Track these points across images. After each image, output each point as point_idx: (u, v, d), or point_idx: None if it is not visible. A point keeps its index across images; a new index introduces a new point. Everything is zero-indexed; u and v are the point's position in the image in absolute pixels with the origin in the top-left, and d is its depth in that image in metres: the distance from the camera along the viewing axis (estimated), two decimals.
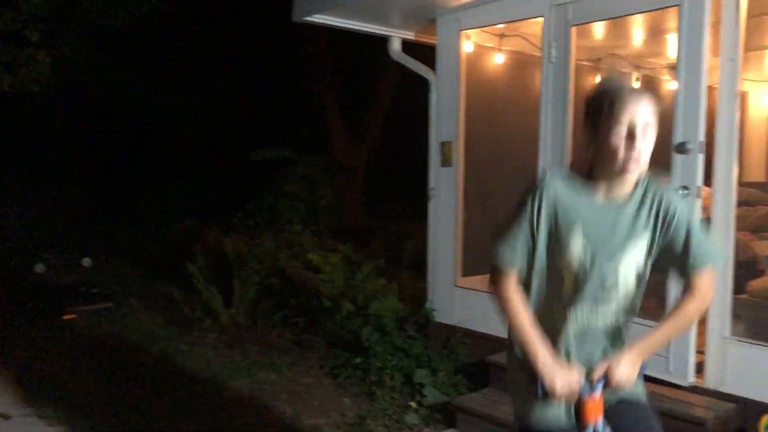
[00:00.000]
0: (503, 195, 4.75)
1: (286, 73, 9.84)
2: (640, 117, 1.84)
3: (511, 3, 4.13)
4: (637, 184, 1.96)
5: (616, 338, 2.05)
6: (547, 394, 1.94)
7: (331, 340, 5.05)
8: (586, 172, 1.97)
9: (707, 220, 3.56)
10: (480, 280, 4.61)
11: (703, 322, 3.41)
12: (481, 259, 4.74)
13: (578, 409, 1.98)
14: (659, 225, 1.96)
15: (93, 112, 13.01)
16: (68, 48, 8.36)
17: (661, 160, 3.91)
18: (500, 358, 3.92)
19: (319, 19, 4.55)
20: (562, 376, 1.92)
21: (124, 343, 5.29)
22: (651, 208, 1.96)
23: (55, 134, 13.82)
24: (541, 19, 4.03)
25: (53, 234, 9.89)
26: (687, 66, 3.37)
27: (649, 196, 1.96)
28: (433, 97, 4.75)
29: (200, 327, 5.60)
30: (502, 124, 4.98)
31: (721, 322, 3.36)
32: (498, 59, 5.00)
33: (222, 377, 4.56)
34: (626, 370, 1.94)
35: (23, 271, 7.75)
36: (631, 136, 1.84)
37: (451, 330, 4.54)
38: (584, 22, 3.91)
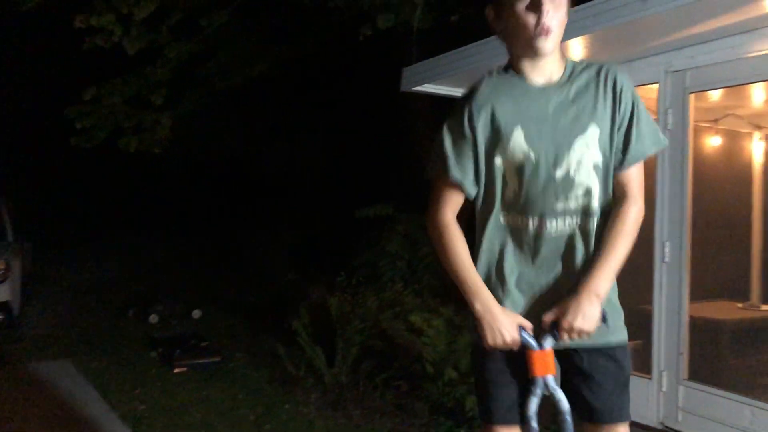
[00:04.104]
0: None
1: (388, 131, 10.04)
2: None
3: (625, 69, 4.04)
4: (566, 68, 1.79)
5: (573, 255, 1.77)
6: (484, 342, 1.75)
7: (433, 406, 4.96)
8: (511, 66, 1.82)
9: None
10: None
11: None
12: None
13: (526, 358, 1.76)
14: (611, 108, 1.76)
15: (202, 167, 13.75)
16: (186, 110, 8.91)
17: None
18: None
19: (426, 88, 4.64)
20: (500, 328, 1.73)
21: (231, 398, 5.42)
22: (597, 90, 1.76)
23: (168, 188, 14.68)
24: (656, 86, 3.93)
25: (165, 284, 10.39)
26: None
27: (589, 77, 1.78)
28: None
29: (304, 385, 5.66)
30: None
31: None
32: None
33: None
34: (583, 316, 1.69)
35: (139, 320, 8.18)
36: (535, 5, 1.69)
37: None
38: (703, 90, 3.78)
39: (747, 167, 5.59)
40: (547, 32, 1.70)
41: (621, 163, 1.76)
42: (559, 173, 1.74)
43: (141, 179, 14.60)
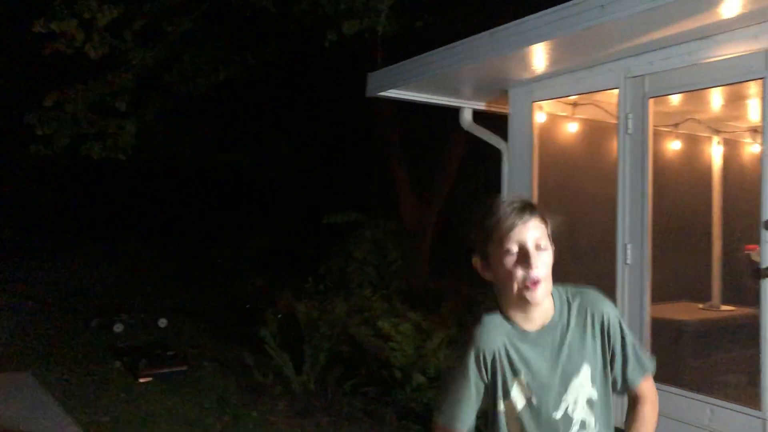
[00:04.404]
0: (579, 268, 4.64)
1: (355, 138, 10.05)
2: (530, 234, 1.71)
3: (585, 75, 4.11)
4: (555, 307, 1.81)
5: None
6: None
7: (401, 412, 4.96)
8: (502, 310, 1.82)
9: None
10: None
11: None
12: None
13: None
14: (601, 345, 1.81)
15: (169, 174, 13.59)
16: (151, 116, 8.79)
17: (748, 235, 3.77)
18: None
19: (392, 93, 4.65)
20: None
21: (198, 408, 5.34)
22: (585, 330, 1.81)
23: (133, 196, 14.46)
24: (616, 91, 3.99)
25: (131, 293, 10.23)
26: None
27: (576, 316, 1.81)
28: (505, 167, 4.74)
29: (272, 393, 5.61)
30: (577, 194, 4.90)
31: None
32: (571, 128, 4.96)
33: None
34: None
35: (103, 330, 8.03)
36: (523, 258, 1.71)
37: None
38: (662, 95, 3.85)
39: (706, 170, 5.72)
40: (535, 285, 1.72)
41: (629, 386, 1.85)
42: (558, 414, 1.80)
43: (106, 187, 14.37)
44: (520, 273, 1.72)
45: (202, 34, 8.26)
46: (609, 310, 1.84)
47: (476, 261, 1.83)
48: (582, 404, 1.80)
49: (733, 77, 3.51)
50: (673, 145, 5.44)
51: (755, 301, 3.34)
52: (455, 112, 5.07)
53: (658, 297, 3.98)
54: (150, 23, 7.71)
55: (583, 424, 1.81)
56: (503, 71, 4.31)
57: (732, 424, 3.36)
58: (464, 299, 7.11)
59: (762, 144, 3.31)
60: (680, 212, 5.19)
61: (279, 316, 6.15)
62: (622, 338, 1.83)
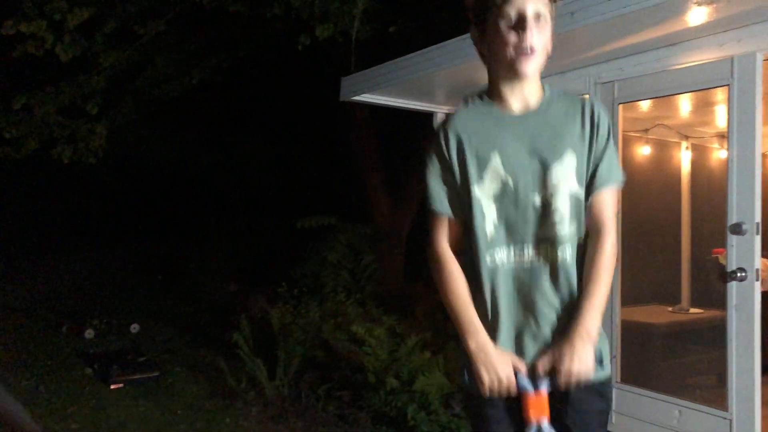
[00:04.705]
0: None
1: (329, 141, 10.03)
2: (530, 4, 1.68)
3: (556, 81, 4.15)
4: (543, 95, 1.78)
5: (552, 287, 1.74)
6: (475, 383, 1.69)
7: (376, 416, 4.96)
8: (488, 91, 1.80)
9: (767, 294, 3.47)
10: None
11: None
12: None
13: (519, 401, 1.71)
14: (589, 137, 1.75)
15: (140, 177, 13.45)
16: (122, 119, 8.69)
17: (715, 239, 3.84)
18: None
19: (366, 98, 4.66)
20: (496, 368, 1.67)
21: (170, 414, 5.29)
22: (576, 118, 1.76)
23: (103, 199, 14.28)
24: (586, 96, 4.04)
25: (102, 298, 10.09)
26: (739, 148, 3.32)
27: (569, 104, 1.78)
28: None
29: (245, 399, 5.57)
30: None
31: None
32: None
33: None
34: (579, 360, 1.66)
35: (73, 336, 7.91)
36: (520, 24, 1.67)
37: None
38: (631, 101, 3.90)
39: (676, 175, 5.81)
40: (529, 52, 1.68)
41: (593, 188, 1.76)
42: (537, 199, 1.73)
43: (75, 190, 14.16)
44: (513, 38, 1.68)
45: (175, 37, 8.19)
46: (603, 111, 1.80)
47: (473, 31, 1.80)
48: (564, 196, 1.73)
49: (701, 84, 3.57)
50: (643, 150, 5.52)
51: (722, 303, 3.40)
52: (430, 116, 5.09)
53: (628, 300, 4.03)
54: (122, 25, 7.63)
55: (561, 218, 1.73)
56: (476, 77, 4.33)
57: (700, 425, 3.41)
58: (439, 303, 7.13)
59: (728, 149, 3.37)
60: (650, 216, 5.27)
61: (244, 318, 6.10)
62: (607, 139, 1.77)
